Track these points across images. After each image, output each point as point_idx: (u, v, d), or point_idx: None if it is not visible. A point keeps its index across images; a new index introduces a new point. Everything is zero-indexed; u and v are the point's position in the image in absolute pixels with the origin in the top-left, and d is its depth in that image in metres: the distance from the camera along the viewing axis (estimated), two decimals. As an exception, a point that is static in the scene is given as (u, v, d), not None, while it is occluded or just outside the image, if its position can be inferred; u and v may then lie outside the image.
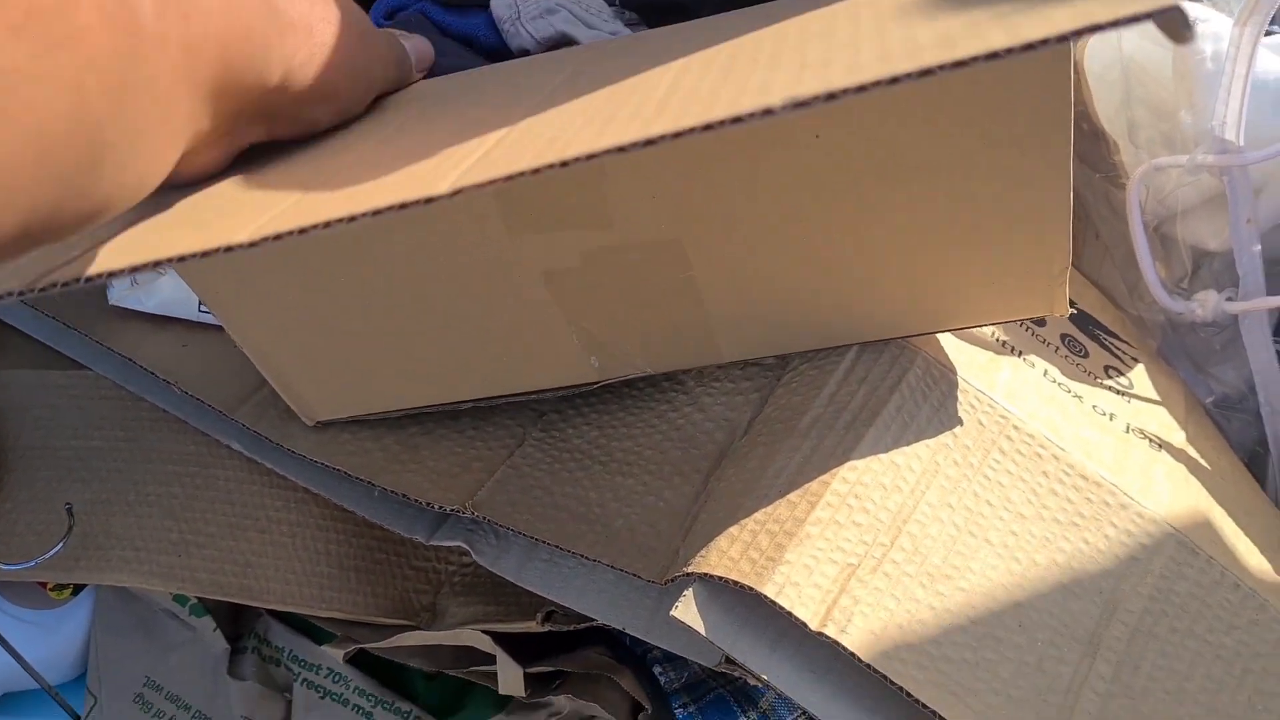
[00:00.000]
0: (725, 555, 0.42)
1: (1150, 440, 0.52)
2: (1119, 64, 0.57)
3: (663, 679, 0.55)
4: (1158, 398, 0.56)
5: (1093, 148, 0.60)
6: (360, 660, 0.58)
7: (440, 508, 0.49)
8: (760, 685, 0.53)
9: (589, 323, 0.47)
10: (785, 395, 0.48)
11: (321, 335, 0.48)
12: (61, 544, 0.54)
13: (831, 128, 0.39)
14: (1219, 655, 0.45)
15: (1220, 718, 0.44)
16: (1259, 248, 0.55)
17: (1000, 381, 0.49)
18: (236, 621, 0.61)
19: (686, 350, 0.49)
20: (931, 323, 0.47)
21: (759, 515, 0.43)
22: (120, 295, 0.58)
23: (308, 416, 0.52)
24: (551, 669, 0.54)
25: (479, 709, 0.59)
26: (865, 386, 0.47)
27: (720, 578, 0.41)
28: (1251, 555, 0.49)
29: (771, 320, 0.47)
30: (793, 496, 0.43)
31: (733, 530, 0.43)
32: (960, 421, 0.47)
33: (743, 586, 0.40)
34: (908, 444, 0.46)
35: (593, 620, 0.50)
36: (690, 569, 0.42)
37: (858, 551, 0.42)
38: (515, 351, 0.49)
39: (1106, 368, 0.56)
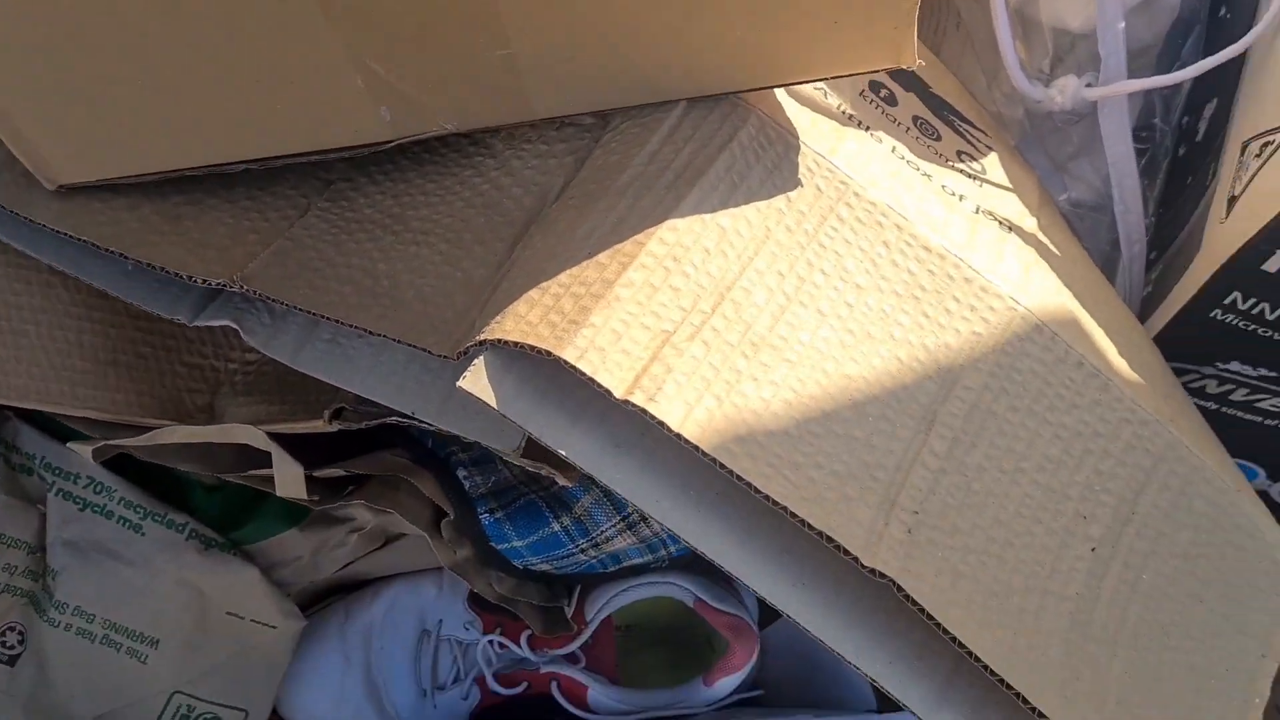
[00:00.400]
0: (523, 320, 0.36)
1: (1001, 223, 0.48)
2: None
3: (467, 483, 0.50)
4: (1010, 186, 0.52)
5: (956, -86, 0.55)
6: (127, 469, 0.51)
7: (205, 282, 0.42)
8: (571, 488, 0.49)
9: (375, 60, 0.40)
10: (603, 155, 0.43)
11: (59, 78, 0.40)
12: None
13: None
14: (1058, 435, 0.42)
15: (1058, 497, 0.41)
16: (1123, 24, 0.51)
17: (843, 150, 0.44)
18: (-26, 422, 0.53)
19: (493, 102, 0.42)
20: (767, 74, 0.41)
21: (563, 278, 0.37)
22: None
23: (49, 179, 0.44)
24: (343, 473, 0.48)
25: (268, 523, 0.53)
26: (692, 144, 0.41)
27: (515, 343, 0.35)
28: (1098, 336, 0.46)
29: (588, 66, 0.41)
30: (602, 258, 0.38)
31: (533, 294, 0.37)
32: (797, 184, 0.42)
33: (539, 352, 0.35)
34: (736, 205, 0.40)
35: (385, 417, 0.44)
36: (483, 336, 0.36)
37: (673, 317, 0.37)
38: (290, 99, 0.41)
39: (959, 152, 0.52)
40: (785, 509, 0.35)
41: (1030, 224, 0.50)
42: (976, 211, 0.48)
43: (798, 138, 0.44)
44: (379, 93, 0.41)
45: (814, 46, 0.40)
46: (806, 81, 0.43)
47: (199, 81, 0.41)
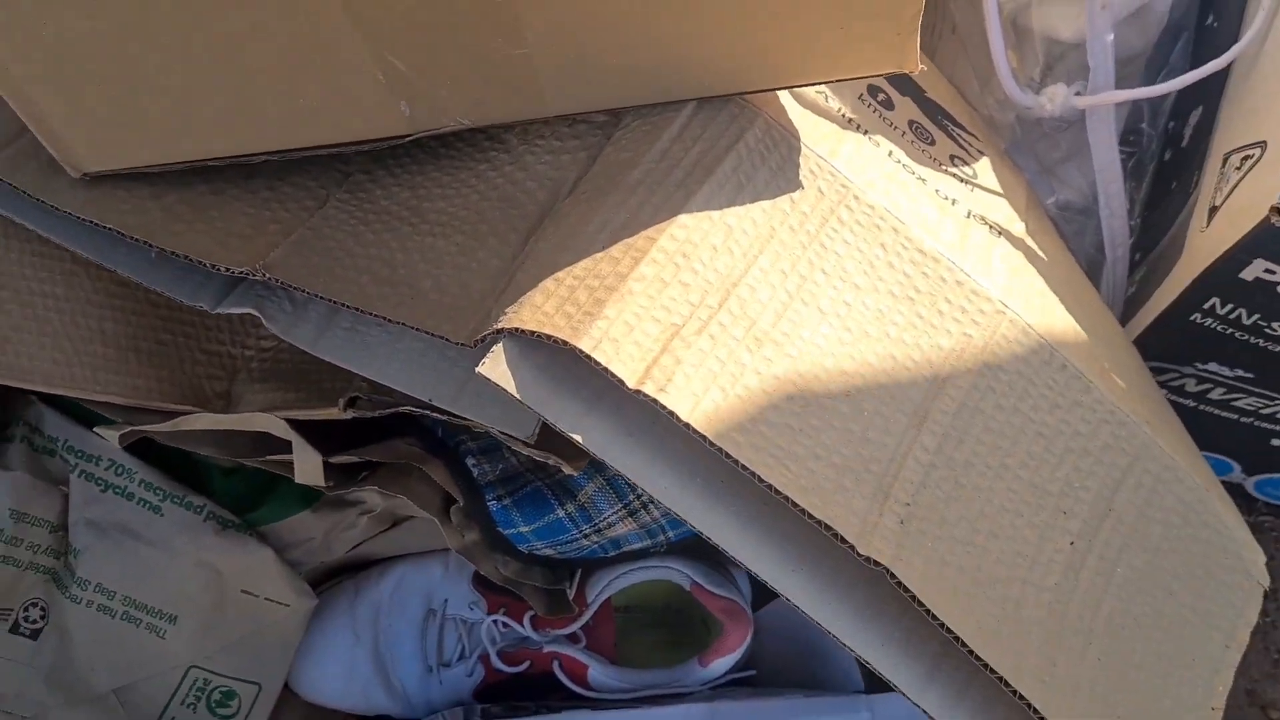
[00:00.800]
0: (539, 310, 0.38)
1: (991, 227, 0.50)
2: None
3: (476, 471, 0.51)
4: (1000, 190, 0.54)
5: (954, -74, 0.57)
6: (148, 453, 0.53)
7: (229, 271, 0.44)
8: (575, 476, 0.51)
9: (397, 55, 0.41)
10: (615, 152, 0.44)
11: (84, 60, 0.41)
12: None
13: None
14: (1041, 433, 0.44)
15: (1039, 493, 0.44)
16: (1111, 37, 0.54)
17: (843, 152, 0.46)
18: (2, 409, 0.54)
19: (508, 99, 0.44)
20: (775, 76, 0.43)
21: (578, 270, 0.39)
22: None
23: (74, 167, 0.45)
24: (357, 459, 0.50)
25: (283, 505, 0.55)
26: (701, 144, 0.43)
27: (532, 332, 0.37)
28: (1080, 340, 0.48)
29: (601, 66, 0.42)
30: (615, 251, 0.40)
31: (548, 285, 0.39)
32: (800, 186, 0.44)
33: (556, 341, 0.37)
34: (743, 205, 0.42)
35: (398, 406, 0.46)
36: (500, 325, 0.38)
37: (682, 311, 0.39)
38: (313, 92, 0.43)
39: (952, 156, 0.54)
40: (786, 498, 0.37)
41: (1018, 228, 0.52)
42: (968, 216, 0.50)
43: (800, 140, 0.45)
44: (398, 88, 0.43)
45: (820, 50, 0.42)
46: (812, 84, 0.45)
47: (223, 73, 0.42)
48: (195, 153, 0.45)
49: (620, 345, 0.37)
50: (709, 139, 0.43)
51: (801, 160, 0.45)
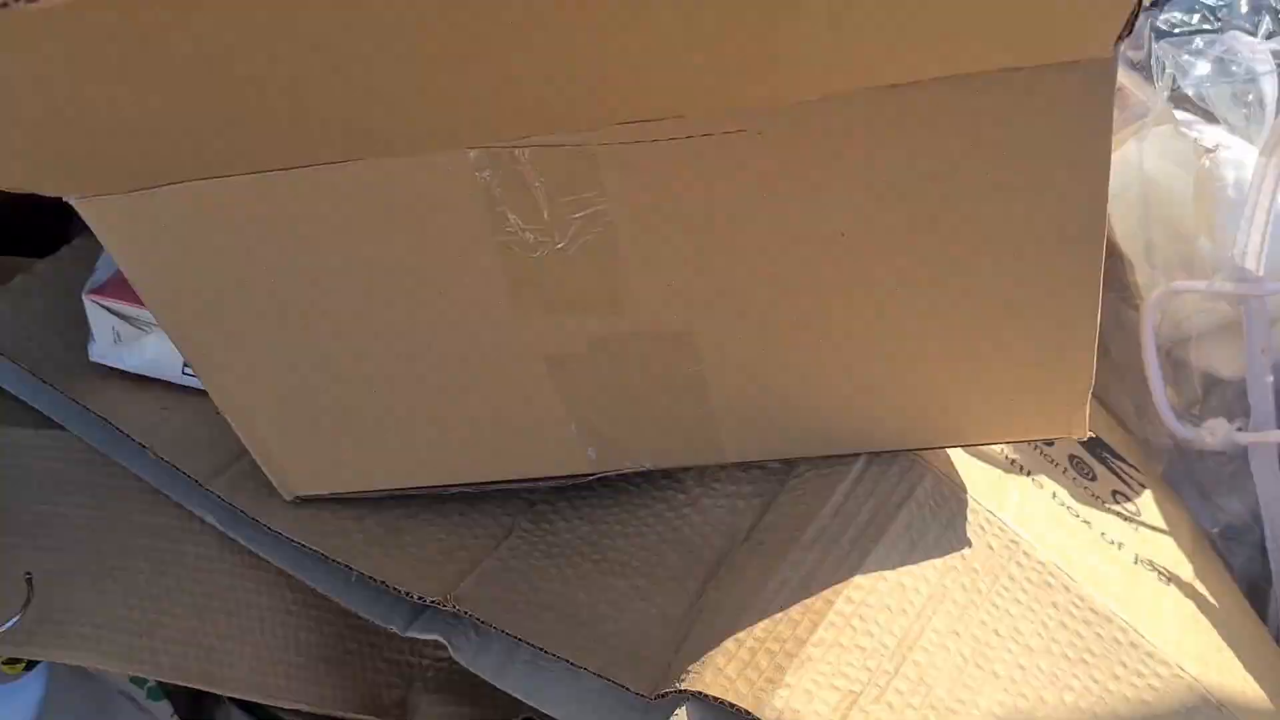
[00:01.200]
0: (722, 673, 0.39)
1: (1159, 573, 0.50)
2: (1138, 183, 0.56)
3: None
4: (1166, 527, 0.54)
5: (1107, 265, 0.60)
6: (323, 757, 0.55)
7: (419, 598, 0.47)
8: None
9: (589, 413, 0.45)
10: (789, 503, 0.47)
11: (308, 403, 0.46)
12: (18, 616, 0.50)
13: (858, 226, 0.38)
14: (1229, 809, 0.43)
15: None
16: (1272, 379, 0.55)
17: (1010, 503, 0.48)
18: (196, 706, 0.58)
19: (689, 448, 0.47)
20: (945, 437, 0.45)
21: (759, 631, 0.41)
22: (102, 352, 0.55)
23: (287, 490, 0.50)
24: (525, 778, 0.51)
25: (443, 815, 0.55)
26: (873, 500, 0.45)
27: (716, 698, 0.38)
28: (1258, 699, 0.47)
29: (780, 423, 0.45)
30: (794, 613, 0.41)
31: (729, 646, 0.40)
32: (970, 543, 0.45)
33: (739, 710, 0.38)
34: (915, 563, 0.44)
35: (572, 732, 0.47)
36: (684, 686, 0.39)
37: (860, 678, 0.40)
38: (509, 436, 0.47)
39: (1114, 493, 0.54)
40: None
41: (1187, 571, 0.52)
42: (1135, 561, 0.50)
43: (967, 493, 0.47)
44: (588, 436, 0.46)
45: (990, 417, 0.44)
46: (981, 444, 0.47)
47: (429, 419, 0.46)
48: (396, 482, 0.50)
49: (801, 715, 0.38)
50: (881, 495, 0.45)
51: (970, 515, 0.46)
